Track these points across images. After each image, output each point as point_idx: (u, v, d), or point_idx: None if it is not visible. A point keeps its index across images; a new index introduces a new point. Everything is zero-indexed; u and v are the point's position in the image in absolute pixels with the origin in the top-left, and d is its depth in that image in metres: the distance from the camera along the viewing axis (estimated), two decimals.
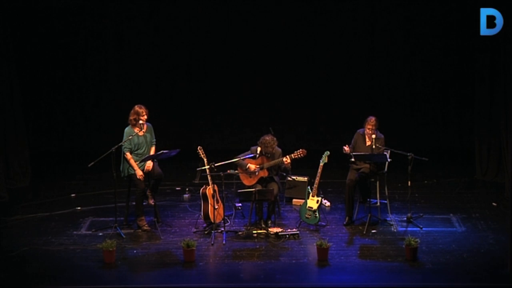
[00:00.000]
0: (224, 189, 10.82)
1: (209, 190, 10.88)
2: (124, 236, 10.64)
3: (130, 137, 10.89)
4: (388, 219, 11.13)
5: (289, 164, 10.98)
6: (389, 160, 11.00)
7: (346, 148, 10.99)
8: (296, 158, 10.92)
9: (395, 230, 10.83)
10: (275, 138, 11.03)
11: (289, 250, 10.16)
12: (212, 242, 10.40)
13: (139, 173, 10.87)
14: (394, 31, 15.03)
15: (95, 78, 15.34)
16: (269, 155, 10.99)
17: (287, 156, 10.90)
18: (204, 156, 11.04)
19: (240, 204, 11.56)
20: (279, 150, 11.07)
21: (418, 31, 14.95)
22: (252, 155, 10.99)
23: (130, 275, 9.57)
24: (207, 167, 10.91)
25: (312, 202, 10.88)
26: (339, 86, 15.25)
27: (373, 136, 10.98)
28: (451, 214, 11.45)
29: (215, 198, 10.81)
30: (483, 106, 13.31)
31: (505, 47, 12.45)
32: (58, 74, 15.25)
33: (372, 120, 11.03)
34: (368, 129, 11.03)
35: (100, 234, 10.79)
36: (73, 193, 12.80)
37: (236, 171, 11.20)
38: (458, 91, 15.06)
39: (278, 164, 10.99)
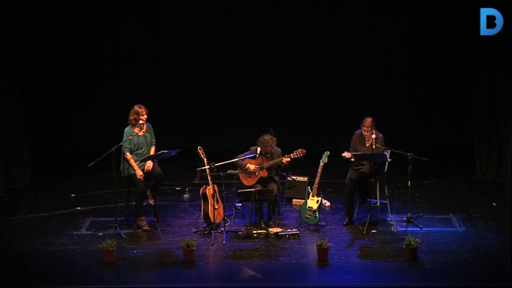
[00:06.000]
0: (224, 189, 10.81)
1: (209, 190, 10.87)
2: (124, 236, 10.64)
3: (130, 137, 10.89)
4: (388, 219, 11.13)
5: (288, 162, 10.97)
6: (389, 160, 10.99)
7: (347, 155, 10.95)
8: (296, 158, 10.92)
9: (395, 230, 10.82)
10: (274, 138, 11.03)
11: (289, 250, 10.16)
12: (212, 242, 10.39)
13: (139, 173, 10.86)
14: (393, 31, 15.02)
15: (95, 78, 15.32)
16: (268, 155, 10.99)
17: (287, 156, 10.90)
18: (204, 156, 11.04)
19: (240, 204, 11.56)
20: (279, 150, 11.06)
21: (418, 31, 14.93)
22: (252, 155, 10.98)
23: (130, 275, 9.57)
24: (207, 167, 10.91)
25: (312, 202, 10.87)
26: (339, 86, 15.23)
27: (373, 136, 10.97)
28: (451, 214, 11.44)
29: (215, 198, 10.80)
30: (483, 106, 13.29)
31: (505, 47, 12.45)
32: (58, 74, 15.25)
33: (368, 121, 11.00)
34: (364, 130, 11.02)
35: (100, 234, 10.78)
36: (73, 193, 12.80)
37: (236, 171, 11.20)
38: (458, 91, 15.04)
39: (277, 164, 10.99)
